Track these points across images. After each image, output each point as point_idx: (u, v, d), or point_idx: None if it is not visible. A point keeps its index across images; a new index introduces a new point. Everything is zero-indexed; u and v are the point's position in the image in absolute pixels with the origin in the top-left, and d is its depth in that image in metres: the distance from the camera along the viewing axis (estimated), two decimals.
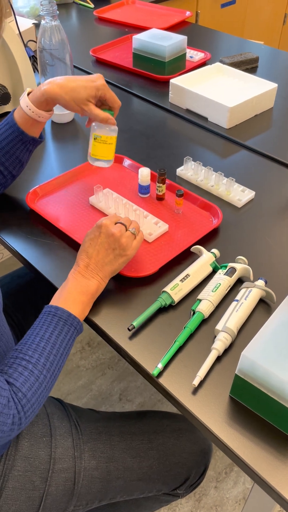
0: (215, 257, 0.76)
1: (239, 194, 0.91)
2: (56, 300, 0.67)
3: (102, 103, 0.85)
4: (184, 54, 1.33)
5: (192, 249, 0.78)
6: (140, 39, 1.30)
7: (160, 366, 0.62)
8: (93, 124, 0.84)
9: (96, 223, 0.72)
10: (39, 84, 1.15)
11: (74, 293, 0.67)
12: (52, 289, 0.75)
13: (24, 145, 0.82)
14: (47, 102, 0.79)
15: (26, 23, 1.39)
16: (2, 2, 0.57)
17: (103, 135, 0.83)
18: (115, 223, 0.71)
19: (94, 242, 0.70)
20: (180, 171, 0.97)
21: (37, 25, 1.44)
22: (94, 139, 0.84)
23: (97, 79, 0.81)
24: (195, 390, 0.61)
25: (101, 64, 1.42)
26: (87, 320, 0.70)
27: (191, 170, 0.97)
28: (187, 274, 0.73)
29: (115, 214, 0.73)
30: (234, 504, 1.28)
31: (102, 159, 0.86)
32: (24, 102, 0.79)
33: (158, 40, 1.28)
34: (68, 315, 0.65)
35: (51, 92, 0.78)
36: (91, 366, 1.61)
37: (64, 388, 1.54)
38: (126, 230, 0.71)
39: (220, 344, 0.64)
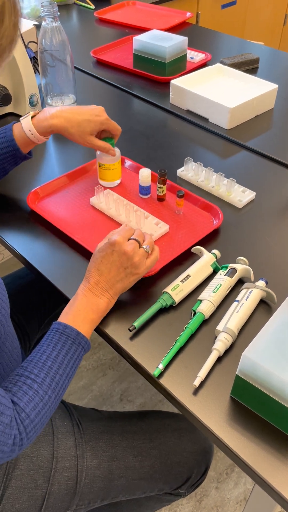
0: (216, 257, 0.77)
1: (240, 195, 0.91)
2: (65, 317, 0.66)
3: (103, 131, 0.89)
4: (185, 55, 1.33)
5: (192, 249, 0.78)
6: (140, 40, 1.30)
7: (160, 366, 0.62)
8: (98, 152, 0.91)
9: (108, 237, 0.70)
10: (39, 85, 1.16)
11: (83, 311, 0.66)
12: (53, 290, 0.75)
13: (14, 160, 0.86)
14: (51, 132, 0.84)
15: (27, 24, 1.39)
16: (17, 7, 0.52)
17: (106, 163, 0.91)
18: (128, 239, 0.69)
19: (106, 260, 0.68)
20: (181, 172, 0.97)
21: (38, 26, 1.44)
22: (99, 166, 0.92)
23: (100, 113, 0.86)
24: (196, 391, 0.61)
25: (102, 65, 1.42)
26: None
27: (191, 171, 0.97)
28: (188, 275, 0.73)
29: (128, 228, 0.71)
30: (235, 505, 1.28)
31: (108, 182, 0.94)
32: (27, 126, 0.82)
33: (158, 41, 1.28)
34: (77, 333, 0.64)
35: (59, 126, 0.83)
36: (92, 367, 1.61)
37: None
38: (140, 247, 0.70)
39: (220, 344, 0.64)
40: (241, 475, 1.34)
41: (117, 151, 0.91)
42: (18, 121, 0.84)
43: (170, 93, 1.21)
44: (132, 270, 0.68)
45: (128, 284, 0.70)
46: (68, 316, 0.66)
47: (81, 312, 0.66)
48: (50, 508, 0.75)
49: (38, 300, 1.04)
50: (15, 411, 0.57)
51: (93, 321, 0.66)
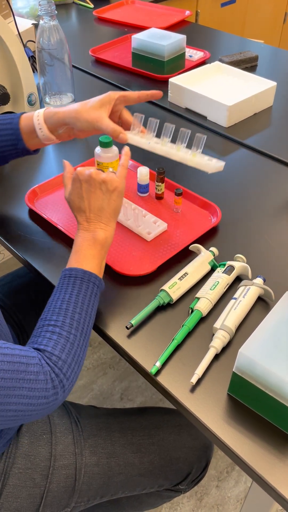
0: (214, 255, 0.76)
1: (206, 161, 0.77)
2: (69, 262, 0.66)
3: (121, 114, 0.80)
4: (183, 53, 1.33)
5: (190, 247, 0.78)
6: (139, 39, 1.30)
7: (158, 364, 0.62)
8: (96, 150, 0.89)
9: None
10: (38, 84, 1.16)
11: (83, 250, 0.66)
12: (52, 289, 0.75)
13: (15, 150, 0.80)
14: (58, 120, 0.76)
15: (25, 24, 1.39)
16: None
17: (104, 161, 0.88)
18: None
19: (79, 194, 0.68)
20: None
21: (36, 26, 1.44)
22: (97, 164, 0.90)
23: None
24: (193, 388, 0.61)
25: (101, 64, 1.42)
26: None
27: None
28: (186, 273, 0.73)
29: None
30: (235, 503, 1.28)
31: None
32: (37, 115, 0.76)
33: (157, 39, 1.28)
34: (83, 272, 0.64)
35: (66, 111, 0.75)
36: (92, 366, 1.61)
37: None
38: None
39: (218, 342, 0.64)
40: (241, 473, 1.34)
41: (115, 149, 0.91)
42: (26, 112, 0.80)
43: (169, 91, 1.21)
44: (108, 187, 0.68)
45: (114, 202, 0.69)
46: (72, 260, 0.66)
47: (81, 252, 0.66)
48: (48, 506, 0.75)
49: (37, 299, 1.04)
50: (45, 357, 0.57)
51: (95, 257, 0.66)
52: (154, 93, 0.79)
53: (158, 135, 0.79)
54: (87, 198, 0.68)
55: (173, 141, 0.78)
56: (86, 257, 0.66)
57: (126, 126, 0.80)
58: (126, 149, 0.74)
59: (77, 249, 0.67)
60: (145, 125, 0.79)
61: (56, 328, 0.60)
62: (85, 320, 0.62)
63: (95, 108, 0.74)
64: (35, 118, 0.76)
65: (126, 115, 0.80)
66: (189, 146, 0.78)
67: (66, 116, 0.75)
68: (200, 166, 0.76)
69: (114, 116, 0.79)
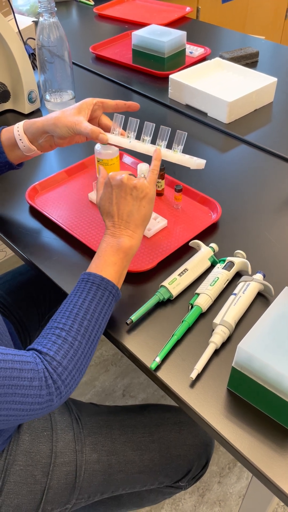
0: (214, 251, 0.76)
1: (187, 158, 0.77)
2: (90, 266, 0.66)
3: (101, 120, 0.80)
4: (184, 50, 1.32)
5: (190, 243, 0.78)
6: (139, 35, 1.30)
7: (158, 359, 0.62)
8: (96, 147, 0.88)
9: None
10: (38, 82, 1.16)
11: (105, 256, 0.65)
12: (53, 286, 0.76)
13: None
14: (38, 130, 0.76)
15: (26, 21, 1.39)
16: None
17: (104, 158, 0.87)
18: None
19: (109, 199, 0.68)
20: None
21: (36, 23, 1.44)
22: (98, 161, 0.89)
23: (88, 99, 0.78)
24: (193, 383, 0.61)
25: (101, 61, 1.42)
26: None
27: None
28: (186, 269, 0.73)
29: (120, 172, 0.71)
30: (237, 499, 1.28)
31: None
32: (17, 127, 0.77)
33: (157, 36, 1.28)
34: (101, 279, 0.63)
35: (43, 119, 0.75)
36: (95, 363, 1.61)
37: None
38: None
39: (217, 337, 0.64)
40: (243, 469, 1.34)
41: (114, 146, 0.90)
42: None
43: (169, 88, 1.21)
44: (138, 194, 0.67)
45: (143, 209, 0.68)
46: (92, 265, 0.66)
47: (102, 258, 0.65)
48: (49, 503, 0.75)
49: (38, 296, 1.05)
50: (45, 361, 0.56)
51: (116, 264, 0.65)
52: (131, 104, 0.79)
53: (138, 135, 0.79)
54: (117, 204, 0.68)
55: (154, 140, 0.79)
56: (107, 263, 0.65)
57: (106, 131, 0.80)
58: (157, 152, 0.73)
59: (100, 254, 0.66)
60: (124, 127, 0.79)
61: (62, 332, 0.59)
62: (93, 328, 0.61)
63: (74, 114, 0.74)
64: (15, 130, 0.76)
65: (105, 120, 0.80)
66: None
67: (44, 124, 0.75)
68: (182, 162, 0.76)
69: (94, 122, 0.80)
